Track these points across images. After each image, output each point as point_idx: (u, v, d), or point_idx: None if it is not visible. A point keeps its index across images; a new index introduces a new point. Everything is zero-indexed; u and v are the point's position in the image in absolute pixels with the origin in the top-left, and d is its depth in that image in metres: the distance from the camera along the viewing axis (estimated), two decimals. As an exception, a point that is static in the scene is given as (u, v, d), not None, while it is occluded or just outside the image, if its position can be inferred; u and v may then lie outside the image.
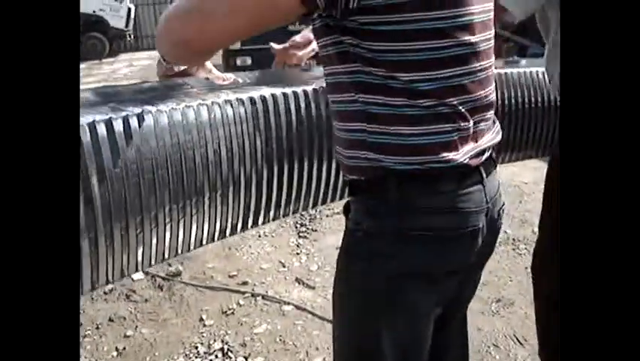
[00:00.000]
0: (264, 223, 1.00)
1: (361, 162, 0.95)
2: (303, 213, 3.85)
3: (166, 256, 0.87)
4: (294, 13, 0.85)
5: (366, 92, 0.91)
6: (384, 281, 0.96)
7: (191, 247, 0.90)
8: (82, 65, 15.28)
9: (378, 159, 0.92)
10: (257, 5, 0.84)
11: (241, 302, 2.81)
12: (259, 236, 3.55)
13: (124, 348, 2.51)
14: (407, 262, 0.94)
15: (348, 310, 1.03)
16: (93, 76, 11.55)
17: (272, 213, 1.03)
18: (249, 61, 6.76)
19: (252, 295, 2.86)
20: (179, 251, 0.88)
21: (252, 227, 1.00)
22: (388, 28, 0.85)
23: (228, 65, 7.44)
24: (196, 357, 2.41)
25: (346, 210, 1.02)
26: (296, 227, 3.68)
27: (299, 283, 2.98)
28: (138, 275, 3.13)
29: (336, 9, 0.84)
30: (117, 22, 16.16)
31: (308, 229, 3.65)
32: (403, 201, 0.92)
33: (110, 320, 2.75)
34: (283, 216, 1.05)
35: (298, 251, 3.36)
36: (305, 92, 0.98)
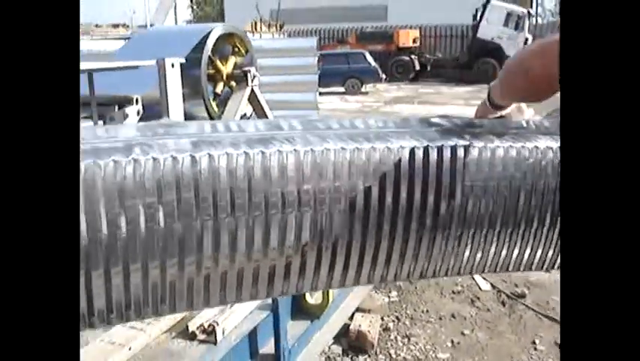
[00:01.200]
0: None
1: None
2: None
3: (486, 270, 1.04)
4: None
5: None
6: None
7: (508, 269, 1.03)
8: (471, 88, 15.89)
9: None
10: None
11: (578, 341, 2.82)
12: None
13: (458, 343, 2.81)
14: None
15: None
16: (480, 98, 11.90)
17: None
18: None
19: (591, 338, 2.83)
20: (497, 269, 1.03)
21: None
22: None
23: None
24: (520, 374, 2.57)
25: None
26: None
27: None
28: (486, 286, 3.40)
29: None
30: (513, 51, 16.28)
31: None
32: None
33: (453, 316, 3.09)
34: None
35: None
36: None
